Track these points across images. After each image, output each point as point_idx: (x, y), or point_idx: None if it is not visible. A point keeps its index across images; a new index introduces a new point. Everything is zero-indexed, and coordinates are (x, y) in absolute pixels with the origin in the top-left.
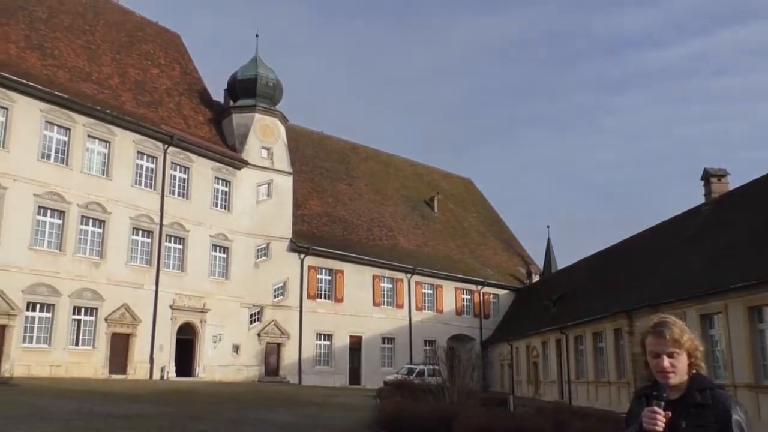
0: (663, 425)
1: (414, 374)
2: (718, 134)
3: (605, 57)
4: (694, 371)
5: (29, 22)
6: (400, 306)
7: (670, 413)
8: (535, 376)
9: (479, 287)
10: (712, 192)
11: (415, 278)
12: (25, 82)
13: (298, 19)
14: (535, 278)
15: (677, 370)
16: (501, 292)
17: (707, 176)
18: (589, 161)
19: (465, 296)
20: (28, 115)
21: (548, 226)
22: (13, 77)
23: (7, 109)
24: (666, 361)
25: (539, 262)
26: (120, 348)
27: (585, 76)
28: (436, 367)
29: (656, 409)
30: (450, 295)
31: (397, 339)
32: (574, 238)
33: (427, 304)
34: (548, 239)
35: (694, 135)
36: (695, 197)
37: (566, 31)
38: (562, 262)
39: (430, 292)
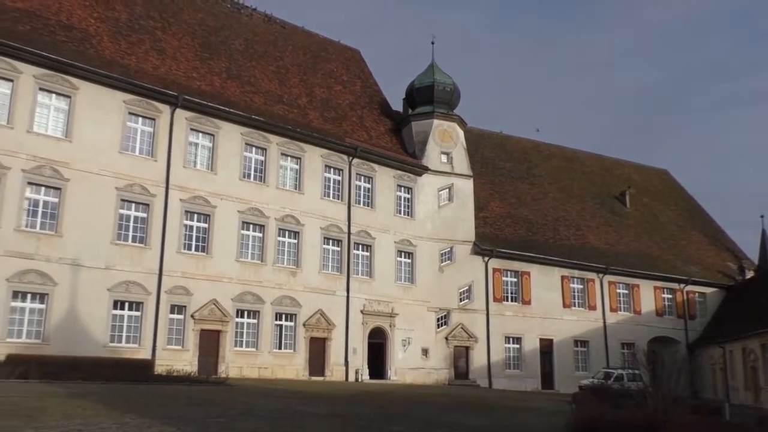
0: None
1: (612, 379)
2: None
3: None
4: None
5: (229, 54)
6: (592, 307)
7: None
8: (753, 381)
9: (682, 286)
10: None
11: (608, 278)
12: (227, 109)
13: (475, 21)
14: (749, 274)
15: None
16: (708, 290)
17: None
18: None
19: (666, 296)
20: (230, 139)
21: (762, 216)
22: (218, 106)
23: (213, 135)
24: None
25: (753, 256)
26: (317, 351)
27: None
28: (637, 371)
29: None
30: (648, 295)
31: (591, 342)
32: None
33: (622, 305)
34: (762, 231)
35: None
36: None
37: None
38: None
39: (626, 292)
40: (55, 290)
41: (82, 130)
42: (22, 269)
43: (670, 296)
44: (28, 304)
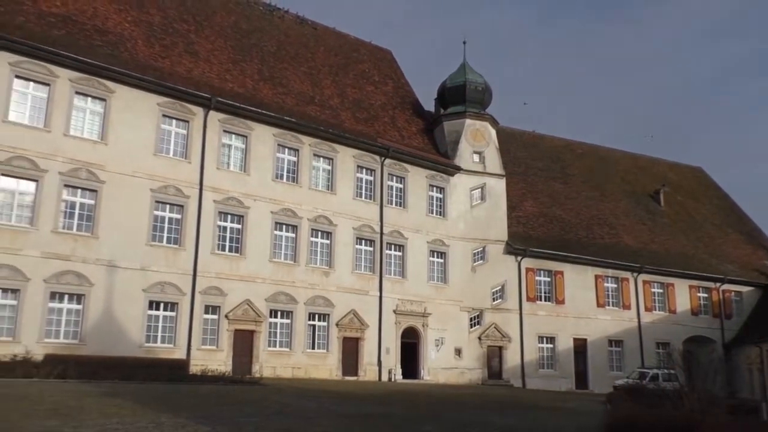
0: None
1: (647, 379)
2: None
3: None
4: None
5: (261, 56)
6: (626, 307)
7: None
8: None
9: (718, 284)
10: None
11: (643, 277)
12: (260, 111)
13: (507, 21)
14: None
15: None
16: (744, 289)
17: None
18: None
19: (701, 295)
20: (263, 140)
21: None
22: (251, 108)
23: (246, 137)
24: None
25: None
26: (350, 351)
27: None
28: (672, 371)
29: None
30: (684, 294)
31: (625, 341)
32: None
33: (657, 304)
34: None
35: None
36: None
37: None
38: None
39: (661, 291)
40: (91, 291)
41: (117, 133)
42: (59, 270)
43: (705, 295)
44: (65, 305)
